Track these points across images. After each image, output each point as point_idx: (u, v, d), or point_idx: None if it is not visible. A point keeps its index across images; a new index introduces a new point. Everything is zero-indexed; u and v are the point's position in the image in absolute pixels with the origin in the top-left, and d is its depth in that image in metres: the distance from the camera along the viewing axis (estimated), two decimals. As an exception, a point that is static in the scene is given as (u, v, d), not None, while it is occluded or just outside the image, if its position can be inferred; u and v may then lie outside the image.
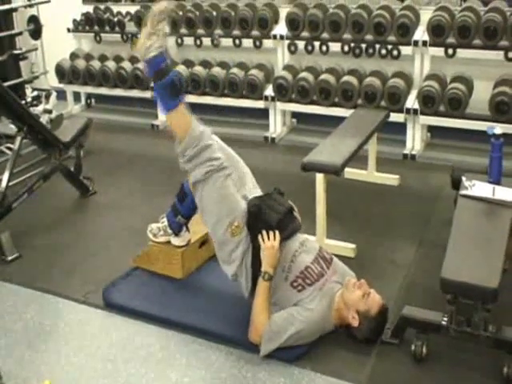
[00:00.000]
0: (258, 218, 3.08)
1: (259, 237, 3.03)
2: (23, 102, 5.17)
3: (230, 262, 3.12)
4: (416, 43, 5.13)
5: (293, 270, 3.03)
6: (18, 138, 4.39)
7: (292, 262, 3.05)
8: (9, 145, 5.41)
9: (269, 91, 5.73)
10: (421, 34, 5.15)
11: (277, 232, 3.05)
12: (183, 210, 3.52)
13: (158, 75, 3.12)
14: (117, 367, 2.96)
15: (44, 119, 5.22)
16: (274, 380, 2.82)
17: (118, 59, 6.47)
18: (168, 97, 3.13)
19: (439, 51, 5.08)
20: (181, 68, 6.02)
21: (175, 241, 3.59)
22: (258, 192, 3.32)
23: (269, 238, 3.03)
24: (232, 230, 3.08)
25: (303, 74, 5.53)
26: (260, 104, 5.79)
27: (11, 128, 4.94)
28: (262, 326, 2.93)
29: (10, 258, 3.91)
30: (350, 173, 4.69)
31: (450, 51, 5.01)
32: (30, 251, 4.00)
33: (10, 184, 4.25)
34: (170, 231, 3.59)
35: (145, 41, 3.11)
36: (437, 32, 5.01)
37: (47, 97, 5.70)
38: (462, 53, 5.00)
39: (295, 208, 3.30)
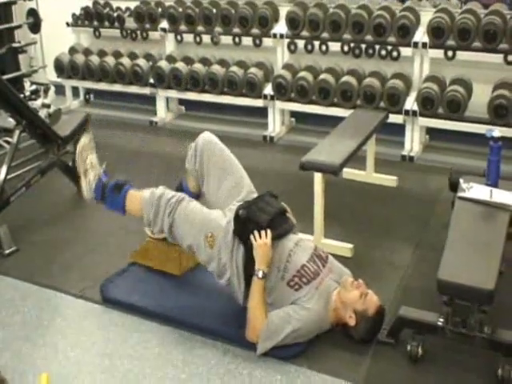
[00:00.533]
0: (248, 221, 3.09)
1: (251, 237, 3.04)
2: (21, 95, 5.16)
3: (222, 272, 3.14)
4: (416, 45, 5.15)
5: (289, 270, 3.04)
6: (17, 132, 4.38)
7: (288, 262, 3.05)
8: (7, 138, 5.41)
9: (268, 90, 5.74)
10: (421, 35, 5.17)
11: (268, 231, 3.06)
12: None
13: (103, 197, 3.39)
14: (114, 362, 2.97)
15: (42, 113, 5.22)
16: (270, 377, 2.83)
17: (117, 55, 6.47)
18: (114, 197, 3.36)
19: (439, 53, 5.10)
20: (180, 65, 6.02)
21: (172, 238, 3.59)
22: (254, 197, 3.34)
23: (260, 236, 3.04)
24: (208, 242, 3.13)
25: (302, 74, 5.54)
26: (259, 103, 5.80)
27: (9, 121, 4.94)
28: (259, 324, 2.93)
29: (7, 252, 3.91)
30: (349, 173, 4.70)
31: (450, 53, 5.03)
32: (27, 245, 4.01)
33: (8, 178, 4.24)
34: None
35: (84, 182, 3.45)
36: (437, 34, 5.03)
37: (46, 91, 5.68)
38: (461, 55, 5.02)
39: (288, 209, 3.32)
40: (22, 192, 4.23)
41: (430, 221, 4.17)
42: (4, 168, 4.22)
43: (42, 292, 3.54)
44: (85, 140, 3.50)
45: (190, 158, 3.46)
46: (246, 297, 3.08)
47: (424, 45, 5.12)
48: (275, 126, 5.88)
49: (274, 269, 3.04)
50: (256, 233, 3.03)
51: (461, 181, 3.44)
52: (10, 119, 4.62)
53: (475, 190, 3.33)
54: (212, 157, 3.39)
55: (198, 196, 3.51)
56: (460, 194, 3.34)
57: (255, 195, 3.36)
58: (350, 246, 3.78)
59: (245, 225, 3.08)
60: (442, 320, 2.78)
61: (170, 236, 3.28)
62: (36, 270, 3.76)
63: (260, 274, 2.99)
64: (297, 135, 5.91)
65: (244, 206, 3.15)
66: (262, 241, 3.02)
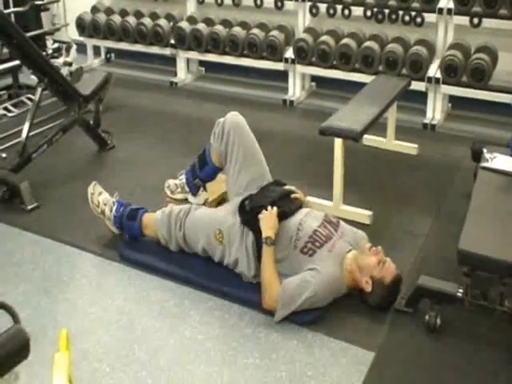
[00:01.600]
0: (252, 210, 3.15)
1: (258, 216, 3.10)
2: (44, 53, 5.16)
3: (236, 262, 3.19)
4: (440, 11, 5.05)
5: (301, 237, 3.06)
6: (39, 89, 4.39)
7: (299, 231, 3.08)
8: (29, 95, 5.45)
9: (289, 53, 5.68)
10: (446, 1, 5.07)
11: (274, 207, 3.12)
12: (202, 175, 3.58)
13: (121, 227, 3.55)
14: (132, 320, 3.01)
15: (64, 71, 5.24)
16: (286, 342, 2.85)
17: (138, 15, 6.41)
18: (133, 226, 3.51)
19: (464, 20, 4.99)
20: (201, 26, 5.97)
21: (192, 199, 3.61)
22: None
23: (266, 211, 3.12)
24: (218, 240, 3.21)
25: (324, 38, 5.48)
26: (280, 66, 5.74)
27: (32, 79, 4.96)
28: (275, 292, 2.95)
29: (29, 208, 3.94)
30: (369, 140, 4.67)
31: (476, 20, 4.93)
32: (48, 202, 4.04)
33: (30, 135, 4.28)
34: (187, 189, 3.62)
35: (106, 221, 3.59)
36: (462, 0, 4.94)
37: (67, 49, 5.70)
38: (487, 22, 4.91)
39: (295, 189, 3.37)
40: (43, 149, 4.26)
41: (451, 190, 4.15)
42: (26, 125, 4.25)
43: (63, 248, 3.58)
44: (90, 190, 3.63)
45: (217, 136, 3.47)
46: (255, 276, 3.13)
47: (449, 11, 5.02)
48: (295, 90, 5.83)
49: (285, 239, 3.08)
50: (262, 211, 3.10)
51: (484, 151, 3.41)
52: (33, 76, 4.64)
53: (499, 161, 3.31)
54: (238, 142, 3.41)
55: (219, 169, 3.55)
56: (483, 164, 3.32)
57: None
58: (369, 213, 3.77)
59: (250, 213, 3.14)
60: (461, 291, 2.77)
61: (186, 247, 3.39)
62: (56, 226, 3.80)
63: (268, 241, 3.02)
64: (317, 100, 5.86)
65: (247, 197, 3.24)
66: (267, 212, 3.10)
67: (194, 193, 3.61)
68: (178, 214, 3.36)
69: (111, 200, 3.57)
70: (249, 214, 3.16)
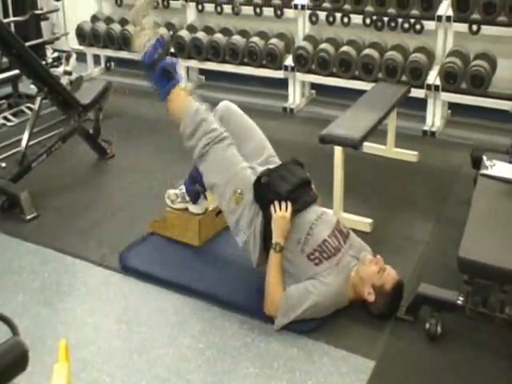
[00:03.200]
0: (269, 189, 3.08)
1: (271, 207, 3.04)
2: (43, 62, 5.17)
3: (238, 231, 3.14)
4: (440, 18, 5.06)
5: (310, 243, 3.02)
6: (38, 99, 4.41)
7: (308, 235, 3.04)
8: (29, 105, 5.46)
9: (288, 61, 5.69)
10: (445, 8, 5.08)
11: (289, 203, 3.05)
12: (201, 179, 3.54)
13: (150, 67, 3.32)
14: (131, 330, 3.00)
15: (64, 80, 5.25)
16: (287, 350, 2.84)
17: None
18: (162, 82, 3.32)
19: (463, 27, 5.00)
20: (201, 34, 5.98)
21: (193, 208, 3.61)
22: (276, 162, 3.33)
23: (280, 208, 3.03)
24: (236, 198, 3.12)
25: (324, 46, 5.49)
26: (279, 74, 5.76)
27: (31, 88, 4.96)
28: (277, 299, 2.93)
29: (28, 217, 3.94)
30: (369, 147, 4.67)
31: (475, 27, 4.94)
32: (48, 211, 4.04)
33: (30, 144, 4.28)
34: (187, 198, 3.61)
35: (138, 40, 3.36)
36: (461, 7, 4.94)
37: (67, 58, 5.71)
38: (486, 29, 4.92)
39: (312, 181, 3.30)
40: (43, 158, 4.27)
41: (451, 197, 4.15)
42: (26, 134, 4.26)
43: (62, 258, 3.57)
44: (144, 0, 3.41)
45: None
46: (260, 262, 3.10)
47: (448, 18, 5.03)
48: (295, 97, 5.84)
49: (293, 240, 3.03)
50: (276, 204, 3.03)
51: (484, 158, 3.41)
52: (32, 86, 4.64)
53: (498, 168, 3.30)
54: (231, 121, 3.38)
55: None
56: (483, 171, 3.31)
57: (276, 159, 3.36)
58: (369, 220, 3.76)
59: (265, 192, 3.08)
60: (461, 299, 2.76)
61: (197, 161, 3.26)
62: (56, 235, 3.79)
63: (277, 248, 2.99)
64: (317, 107, 5.87)
65: (266, 173, 3.15)
66: (281, 213, 3.01)
67: (195, 201, 3.61)
68: (210, 132, 3.19)
69: (155, 32, 3.41)
70: (263, 193, 3.08)
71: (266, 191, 3.08)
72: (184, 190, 3.61)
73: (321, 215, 3.13)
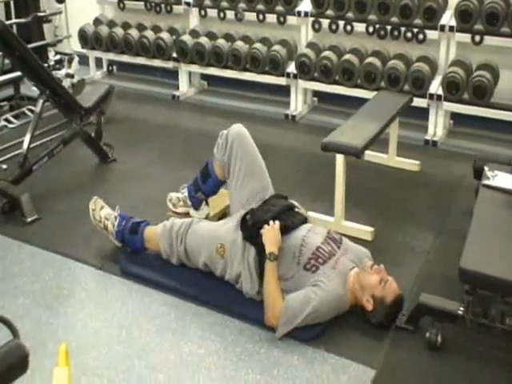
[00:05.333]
0: (256, 224, 3.13)
1: (261, 232, 3.08)
2: (46, 65, 5.17)
3: (237, 277, 3.18)
4: (442, 28, 5.07)
5: (304, 253, 3.04)
6: (40, 101, 4.40)
7: (302, 246, 3.06)
8: (31, 107, 5.46)
9: (291, 68, 5.69)
10: (448, 18, 5.09)
11: (276, 221, 3.10)
12: (205, 188, 3.58)
13: (123, 241, 3.53)
14: (132, 335, 3.00)
15: (66, 83, 5.24)
16: (287, 358, 2.84)
17: (140, 27, 6.44)
18: (134, 240, 3.49)
19: (466, 37, 5.01)
20: (203, 40, 5.99)
21: (195, 213, 3.61)
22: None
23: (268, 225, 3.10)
24: (220, 253, 3.20)
25: (326, 53, 5.50)
26: (282, 81, 5.76)
27: (33, 90, 4.96)
28: (278, 309, 2.92)
29: (29, 220, 3.93)
30: (370, 156, 4.66)
31: (477, 38, 4.94)
32: (49, 214, 4.03)
33: (31, 146, 4.28)
34: (189, 203, 3.61)
35: (109, 235, 3.56)
36: (464, 18, 4.94)
37: (69, 61, 5.72)
38: (489, 40, 4.92)
39: (297, 205, 3.37)
40: (44, 161, 4.26)
41: (452, 207, 4.14)
42: (27, 137, 4.26)
43: (63, 261, 3.57)
44: (91, 206, 3.61)
45: (220, 148, 3.47)
46: (258, 292, 3.11)
47: (451, 28, 5.03)
48: (297, 104, 5.84)
49: (289, 256, 3.06)
50: (265, 225, 3.09)
51: (485, 168, 3.41)
52: (34, 88, 4.64)
53: (500, 179, 3.31)
54: (241, 154, 3.42)
55: (222, 182, 3.56)
56: (484, 182, 3.32)
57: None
58: (371, 229, 3.76)
59: (252, 228, 3.13)
60: (462, 309, 2.76)
61: (188, 262, 3.37)
62: (57, 239, 3.79)
63: (271, 257, 3.00)
64: (319, 115, 5.87)
65: (248, 212, 3.22)
66: (269, 226, 3.08)
67: (196, 207, 3.61)
68: (180, 228, 3.34)
69: (113, 214, 3.56)
70: (251, 229, 3.15)
71: (253, 228, 3.14)
72: (186, 194, 3.61)
73: (311, 228, 3.18)
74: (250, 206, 3.30)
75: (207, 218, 3.62)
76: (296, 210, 3.33)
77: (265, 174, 3.47)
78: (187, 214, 3.62)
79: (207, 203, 3.63)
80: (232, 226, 3.24)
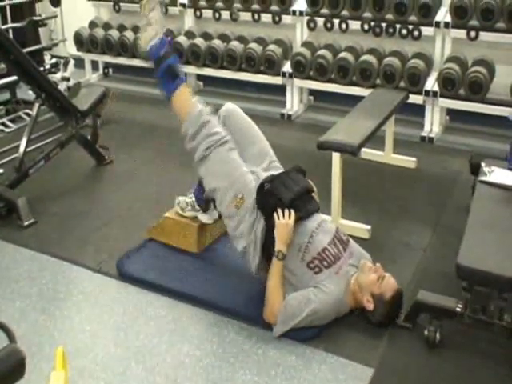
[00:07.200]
0: (272, 196, 3.07)
1: (274, 214, 3.02)
2: (42, 68, 5.16)
3: (237, 237, 3.14)
4: (438, 24, 5.06)
5: (310, 251, 3.01)
6: (36, 105, 4.41)
7: (309, 243, 3.02)
8: (27, 111, 5.46)
9: (286, 67, 5.69)
10: (443, 15, 5.08)
11: (292, 212, 3.03)
12: None
13: (157, 63, 3.35)
14: (129, 337, 2.99)
15: (62, 87, 5.24)
16: (285, 358, 2.83)
17: (136, 29, 6.41)
18: (168, 81, 3.34)
19: (461, 33, 5.00)
20: (199, 40, 5.98)
21: (203, 218, 3.55)
22: (278, 168, 3.33)
23: (284, 215, 3.01)
24: (236, 203, 3.12)
25: (322, 52, 5.49)
26: (277, 80, 5.75)
27: (29, 94, 4.95)
28: (276, 306, 2.92)
29: (26, 224, 3.93)
30: (367, 153, 4.65)
31: (473, 34, 4.94)
32: (45, 218, 4.03)
33: (27, 150, 4.28)
34: (197, 207, 3.57)
35: (143, 34, 3.41)
36: (459, 14, 4.94)
37: (65, 64, 5.71)
38: (484, 36, 4.92)
39: (315, 189, 3.29)
40: (41, 165, 4.26)
41: (449, 203, 4.13)
42: (24, 140, 4.26)
43: (59, 264, 3.56)
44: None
45: None
46: (259, 268, 3.09)
47: (446, 24, 5.03)
48: (293, 103, 5.84)
49: (294, 248, 3.02)
50: (280, 211, 3.01)
51: (482, 164, 3.40)
52: (30, 92, 4.63)
53: (497, 174, 3.30)
54: (235, 124, 3.39)
55: None
56: (481, 178, 3.31)
57: (278, 165, 3.36)
58: (368, 227, 3.75)
59: (268, 198, 3.07)
60: (460, 306, 2.75)
61: (197, 163, 3.25)
62: (54, 242, 3.78)
63: (279, 256, 2.97)
64: (315, 113, 5.86)
65: (269, 179, 3.14)
66: (284, 220, 2.99)
67: (205, 209, 3.57)
68: (212, 135, 3.21)
69: (162, 27, 3.46)
70: (265, 200, 3.07)
71: (268, 198, 3.08)
72: (194, 199, 3.57)
73: (321, 223, 3.12)
74: (254, 169, 3.23)
75: (215, 221, 3.58)
76: (313, 194, 3.26)
77: (261, 138, 3.42)
78: (195, 218, 3.58)
79: (215, 206, 3.60)
80: (253, 187, 3.15)
